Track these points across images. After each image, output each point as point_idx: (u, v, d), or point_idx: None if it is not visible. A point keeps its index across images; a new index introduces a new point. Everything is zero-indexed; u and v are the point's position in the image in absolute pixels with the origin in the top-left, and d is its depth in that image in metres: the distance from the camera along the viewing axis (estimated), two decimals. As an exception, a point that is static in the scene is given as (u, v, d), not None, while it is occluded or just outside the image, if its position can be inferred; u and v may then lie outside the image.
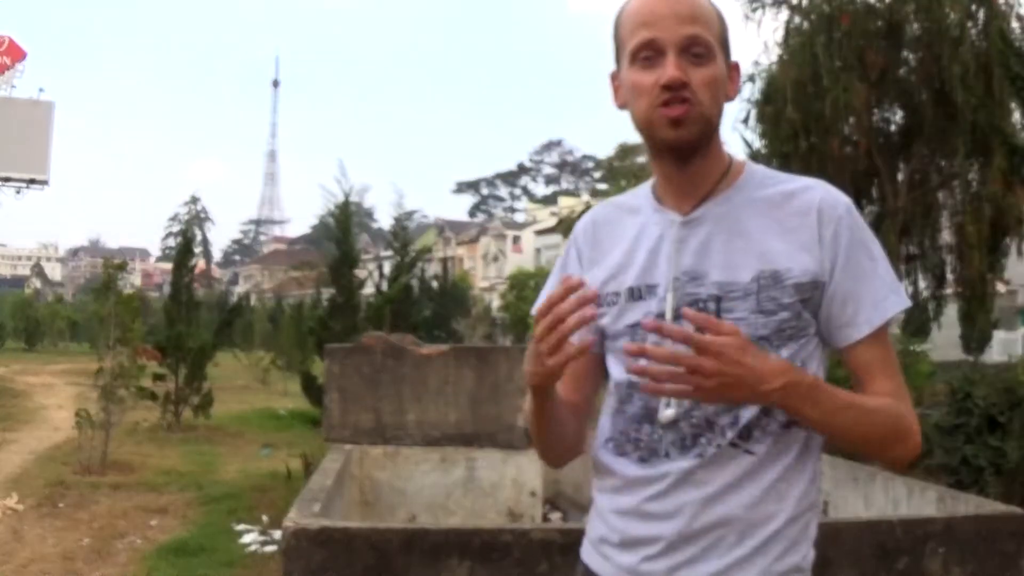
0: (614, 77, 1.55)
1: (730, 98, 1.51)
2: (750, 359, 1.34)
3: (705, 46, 1.44)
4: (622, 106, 1.53)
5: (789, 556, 1.47)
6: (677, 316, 1.46)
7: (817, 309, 1.48)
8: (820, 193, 1.49)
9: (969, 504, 4.27)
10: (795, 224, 1.47)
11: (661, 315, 1.49)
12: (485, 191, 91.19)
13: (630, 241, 1.56)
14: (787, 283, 1.45)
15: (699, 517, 1.44)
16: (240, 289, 68.77)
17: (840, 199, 1.50)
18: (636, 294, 1.53)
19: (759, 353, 1.36)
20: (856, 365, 1.50)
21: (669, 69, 1.42)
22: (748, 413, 1.45)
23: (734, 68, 1.52)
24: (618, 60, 1.52)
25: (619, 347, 1.54)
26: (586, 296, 1.34)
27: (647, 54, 1.44)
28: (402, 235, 13.75)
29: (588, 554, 1.61)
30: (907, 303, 1.51)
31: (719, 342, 1.32)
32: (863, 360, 1.49)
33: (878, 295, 1.47)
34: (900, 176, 14.83)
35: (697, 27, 1.43)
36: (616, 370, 1.57)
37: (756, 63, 14.41)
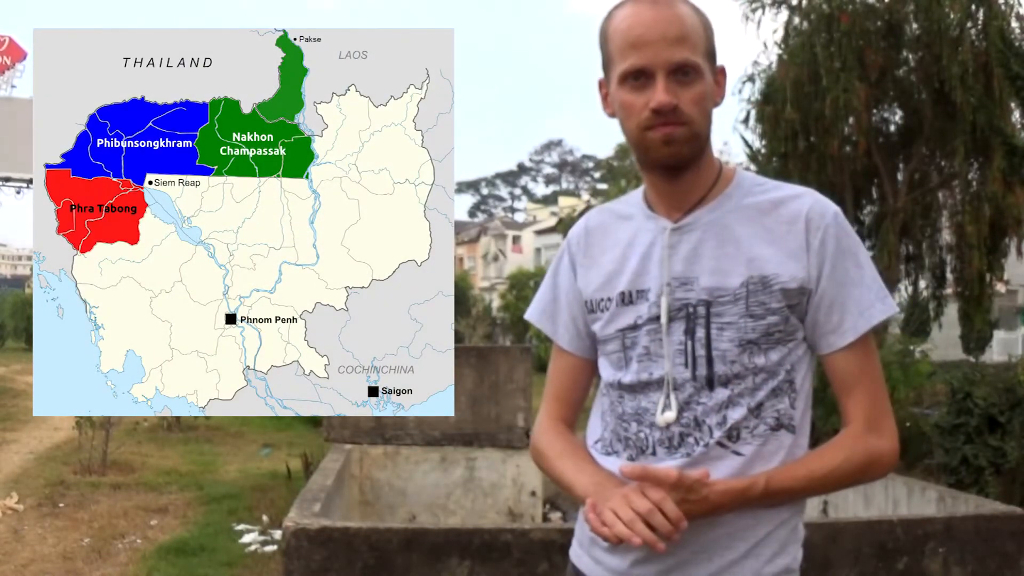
0: (602, 85, 1.55)
1: (717, 104, 1.52)
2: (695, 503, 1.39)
3: (693, 67, 1.44)
4: (612, 115, 1.54)
5: (779, 558, 1.47)
6: (671, 318, 1.48)
7: (804, 316, 1.48)
8: (808, 201, 1.50)
9: (969, 504, 4.28)
10: (783, 231, 1.47)
11: (654, 319, 1.50)
12: (485, 191, 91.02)
13: (622, 247, 1.57)
14: (775, 288, 1.46)
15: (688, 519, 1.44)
16: (240, 289, 68.43)
17: (828, 207, 1.50)
18: (627, 299, 1.54)
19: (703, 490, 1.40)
20: (837, 374, 1.50)
21: (659, 94, 1.43)
22: (736, 414, 1.46)
23: (720, 73, 1.52)
24: (606, 70, 1.53)
25: (609, 351, 1.57)
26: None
27: (637, 77, 1.45)
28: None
29: (578, 556, 1.60)
30: (893, 310, 1.51)
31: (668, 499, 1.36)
32: (844, 368, 1.49)
33: (863, 302, 1.47)
34: (900, 176, 14.83)
35: (685, 49, 1.43)
36: (607, 372, 1.59)
37: (756, 63, 14.40)
